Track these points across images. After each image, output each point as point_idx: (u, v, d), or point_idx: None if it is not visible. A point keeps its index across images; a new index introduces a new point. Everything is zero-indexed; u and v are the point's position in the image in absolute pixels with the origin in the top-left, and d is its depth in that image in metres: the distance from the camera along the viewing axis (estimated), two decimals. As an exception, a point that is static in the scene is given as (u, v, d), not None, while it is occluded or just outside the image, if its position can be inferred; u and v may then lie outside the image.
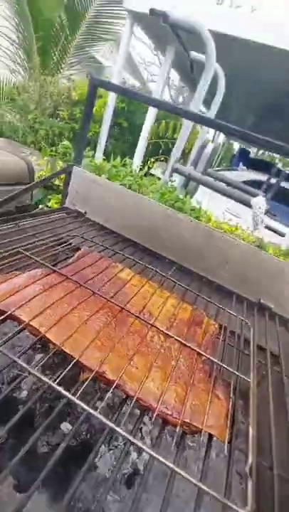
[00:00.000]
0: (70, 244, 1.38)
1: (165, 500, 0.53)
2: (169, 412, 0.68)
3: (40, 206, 1.61)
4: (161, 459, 0.55)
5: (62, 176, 1.79)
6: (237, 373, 0.88)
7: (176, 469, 0.54)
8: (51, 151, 2.80)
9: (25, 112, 4.37)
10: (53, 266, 1.10)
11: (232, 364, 0.98)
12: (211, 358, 0.89)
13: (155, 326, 0.93)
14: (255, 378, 0.88)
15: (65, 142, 2.79)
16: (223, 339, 1.12)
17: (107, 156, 4.64)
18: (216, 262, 1.54)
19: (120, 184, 2.57)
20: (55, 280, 0.98)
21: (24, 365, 0.65)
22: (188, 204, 2.64)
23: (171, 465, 0.54)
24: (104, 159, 3.19)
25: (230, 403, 0.77)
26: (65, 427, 1.11)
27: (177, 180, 3.98)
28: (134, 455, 1.11)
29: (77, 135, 3.98)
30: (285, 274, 1.44)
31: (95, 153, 4.37)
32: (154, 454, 0.56)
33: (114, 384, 0.69)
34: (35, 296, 0.86)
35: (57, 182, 2.38)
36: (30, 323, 0.77)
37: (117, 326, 0.89)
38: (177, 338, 0.91)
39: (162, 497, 0.54)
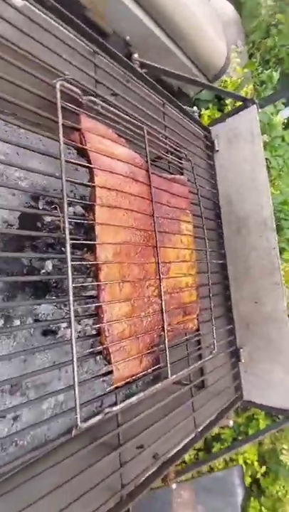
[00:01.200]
0: (180, 162, 1.34)
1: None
2: (107, 334, 0.80)
3: (195, 108, 1.50)
4: (74, 341, 0.68)
5: (238, 103, 1.61)
6: (168, 365, 0.97)
7: (75, 362, 0.67)
8: (256, 69, 2.40)
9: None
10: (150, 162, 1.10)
11: (172, 358, 1.07)
12: (165, 339, 0.97)
13: (160, 281, 0.99)
14: (171, 381, 0.97)
15: (276, 74, 2.35)
16: (187, 339, 1.19)
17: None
18: (250, 293, 1.50)
19: (268, 158, 2.30)
20: (140, 176, 1.01)
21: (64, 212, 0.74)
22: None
23: (75, 356, 0.67)
24: (284, 122, 2.76)
25: (144, 373, 0.88)
26: (49, 264, 1.32)
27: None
28: (63, 328, 1.33)
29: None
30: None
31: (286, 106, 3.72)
32: (73, 336, 0.68)
33: (98, 283, 0.79)
34: (116, 173, 0.90)
35: (229, 101, 2.14)
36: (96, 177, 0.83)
37: (140, 253, 0.96)
38: (163, 305, 0.98)
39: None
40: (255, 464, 2.07)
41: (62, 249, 1.49)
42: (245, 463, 2.14)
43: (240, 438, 2.15)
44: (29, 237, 1.35)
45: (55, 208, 1.47)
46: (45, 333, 1.28)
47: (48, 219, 1.43)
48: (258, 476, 2.09)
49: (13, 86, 0.73)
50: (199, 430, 1.17)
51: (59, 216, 0.87)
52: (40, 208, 1.44)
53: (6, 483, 0.67)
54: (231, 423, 1.32)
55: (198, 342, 1.28)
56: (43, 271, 1.38)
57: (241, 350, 1.49)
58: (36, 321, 1.28)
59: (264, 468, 2.09)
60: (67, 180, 0.78)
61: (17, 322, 1.22)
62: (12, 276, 1.15)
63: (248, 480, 2.12)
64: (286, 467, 2.13)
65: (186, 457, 1.90)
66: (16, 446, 1.01)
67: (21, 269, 1.31)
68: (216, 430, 2.06)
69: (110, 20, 1.20)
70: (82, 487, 0.76)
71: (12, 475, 0.70)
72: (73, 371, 0.69)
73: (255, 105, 1.49)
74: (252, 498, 2.19)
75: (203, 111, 2.14)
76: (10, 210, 1.19)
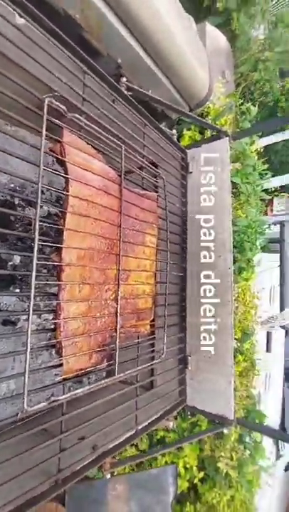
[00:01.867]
0: (155, 180, 1.46)
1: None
2: (62, 329, 0.88)
3: (174, 131, 1.63)
4: (29, 332, 0.75)
5: (213, 133, 1.77)
6: (116, 364, 1.06)
7: (28, 351, 0.75)
8: (238, 101, 2.58)
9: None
10: (124, 177, 1.19)
11: (124, 358, 1.16)
12: (116, 340, 1.06)
13: (118, 287, 1.09)
14: (117, 378, 1.07)
15: (254, 108, 2.56)
16: (139, 343, 1.29)
17: (268, 152, 4.27)
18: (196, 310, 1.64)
19: (238, 183, 2.50)
20: (112, 190, 1.11)
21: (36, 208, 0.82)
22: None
23: (29, 346, 0.75)
24: (259, 151, 3.00)
25: (92, 369, 0.97)
26: (17, 258, 1.38)
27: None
28: (23, 319, 1.39)
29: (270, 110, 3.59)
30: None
31: (263, 136, 3.96)
32: (29, 328, 0.76)
33: (58, 282, 0.87)
34: (89, 185, 1.00)
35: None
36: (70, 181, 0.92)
37: (103, 259, 1.05)
38: (118, 308, 1.07)
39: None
40: (194, 468, 2.20)
41: (32, 244, 1.55)
42: (186, 467, 2.25)
43: (183, 442, 2.28)
44: None
45: (31, 205, 1.53)
46: (5, 323, 1.32)
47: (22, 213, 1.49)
48: (196, 481, 2.22)
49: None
50: (139, 428, 1.27)
51: (30, 218, 0.95)
52: (16, 202, 1.49)
53: None
54: (172, 425, 1.43)
55: (152, 346, 1.39)
56: (10, 263, 1.43)
57: (190, 358, 1.61)
58: (-3, 311, 1.33)
59: (202, 473, 2.22)
60: (43, 186, 0.87)
61: (-22, 310, 1.26)
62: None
63: (185, 484, 2.24)
64: (222, 474, 2.28)
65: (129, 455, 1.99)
66: None
67: (-11, 260, 1.35)
68: (161, 433, 2.18)
69: (105, 43, 1.30)
70: (20, 468, 0.83)
71: None
72: (26, 359, 0.76)
73: (227, 138, 1.66)
74: (188, 503, 2.31)
75: (185, 131, 2.29)
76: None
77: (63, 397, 0.87)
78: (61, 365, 0.91)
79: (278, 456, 4.50)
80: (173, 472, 1.39)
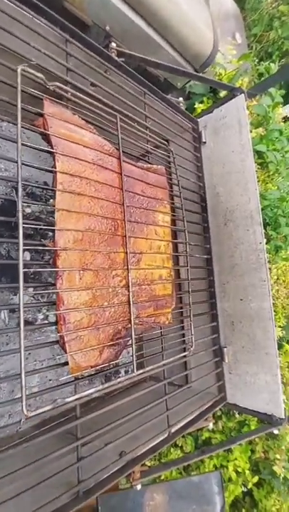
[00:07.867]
0: (166, 153, 1.31)
1: None
2: (62, 322, 0.77)
3: (180, 99, 1.46)
4: (22, 329, 0.66)
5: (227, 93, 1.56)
6: (134, 359, 0.93)
7: (22, 349, 0.65)
8: (253, 61, 2.29)
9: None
10: (124, 154, 1.07)
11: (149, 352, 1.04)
12: (132, 332, 0.93)
13: (128, 272, 0.96)
14: (136, 375, 0.94)
15: (274, 66, 2.25)
16: (162, 334, 1.15)
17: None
18: (236, 289, 1.44)
19: (264, 152, 2.23)
20: (109, 164, 0.99)
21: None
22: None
23: (22, 343, 0.65)
24: (285, 117, 2.67)
25: (105, 365, 0.85)
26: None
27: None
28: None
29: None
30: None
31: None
32: (22, 323, 0.66)
33: (56, 270, 0.77)
34: (80, 159, 0.88)
35: (223, 94, 2.08)
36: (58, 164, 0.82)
37: (107, 241, 0.93)
38: (130, 296, 0.94)
39: None
40: (247, 472, 1.97)
41: (42, 240, 1.49)
42: (237, 471, 2.03)
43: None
44: (9, 227, 1.35)
45: (39, 200, 1.47)
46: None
47: (28, 210, 1.43)
48: (250, 486, 1.99)
49: None
50: (173, 431, 1.12)
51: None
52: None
53: None
54: (211, 426, 1.26)
55: (182, 337, 1.23)
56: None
57: (225, 349, 1.43)
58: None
59: (256, 478, 1.99)
60: (24, 164, 0.77)
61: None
62: None
63: (239, 490, 2.01)
64: (280, 479, 2.02)
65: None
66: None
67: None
68: (206, 434, 1.99)
69: (90, 11, 1.19)
70: (36, 479, 0.74)
71: None
72: (20, 359, 0.67)
73: (242, 94, 1.45)
74: (243, 511, 2.08)
75: (197, 104, 2.09)
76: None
77: (72, 398, 0.76)
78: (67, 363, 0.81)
79: None
80: (218, 480, 1.22)
